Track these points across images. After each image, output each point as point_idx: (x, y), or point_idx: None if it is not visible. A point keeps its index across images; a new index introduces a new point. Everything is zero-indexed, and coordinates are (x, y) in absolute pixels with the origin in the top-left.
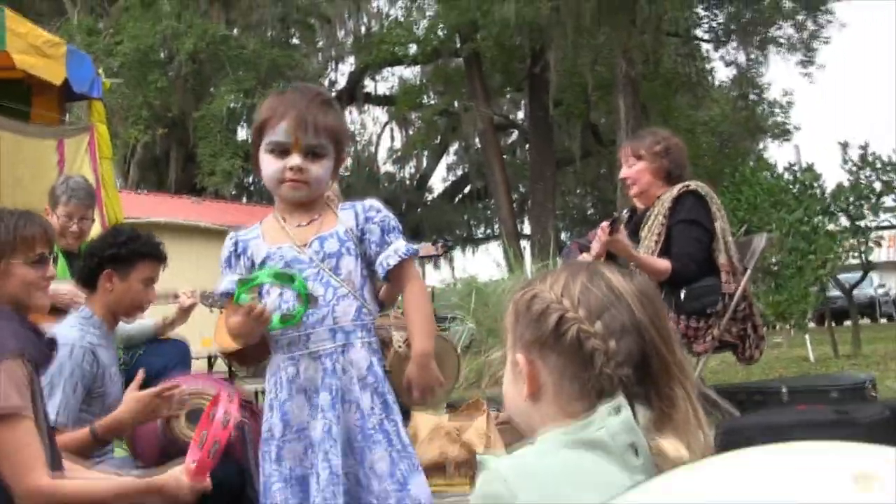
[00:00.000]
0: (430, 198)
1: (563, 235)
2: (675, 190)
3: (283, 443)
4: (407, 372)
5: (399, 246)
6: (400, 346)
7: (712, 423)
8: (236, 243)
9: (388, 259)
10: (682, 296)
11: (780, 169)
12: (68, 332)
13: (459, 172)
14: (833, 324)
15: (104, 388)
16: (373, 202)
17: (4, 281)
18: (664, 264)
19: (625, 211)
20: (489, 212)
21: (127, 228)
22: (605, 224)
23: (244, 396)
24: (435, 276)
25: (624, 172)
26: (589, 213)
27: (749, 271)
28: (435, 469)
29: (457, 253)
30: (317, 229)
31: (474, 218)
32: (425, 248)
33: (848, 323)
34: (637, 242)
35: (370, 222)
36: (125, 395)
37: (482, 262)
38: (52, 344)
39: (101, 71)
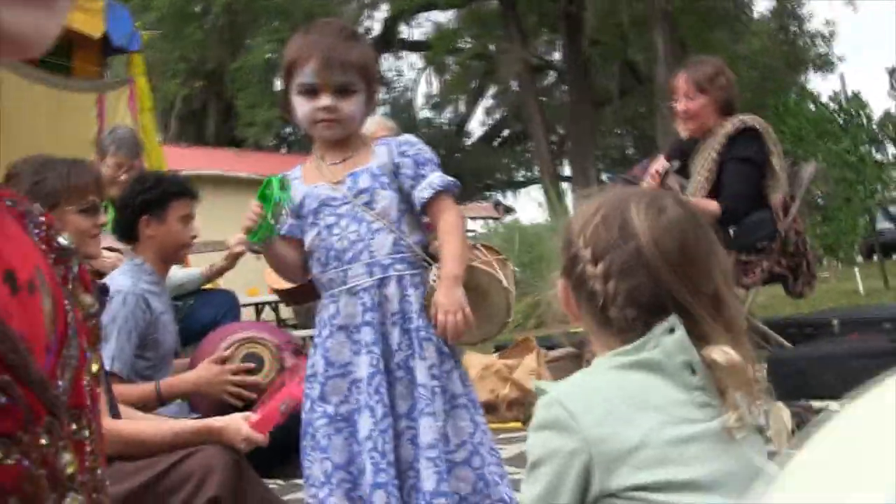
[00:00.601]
0: (469, 142)
1: (603, 176)
2: (731, 126)
3: (326, 379)
4: (434, 297)
5: (434, 179)
6: (434, 281)
7: (762, 357)
8: (286, 187)
9: (422, 192)
10: (733, 232)
11: (824, 99)
12: (121, 279)
13: (497, 116)
14: (883, 257)
15: (157, 334)
16: (408, 137)
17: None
18: (712, 207)
19: (675, 162)
20: (529, 154)
21: (151, 173)
22: (654, 170)
23: (294, 343)
24: (478, 221)
25: (684, 104)
26: (629, 151)
27: (798, 201)
28: (487, 408)
29: (498, 197)
30: (351, 166)
31: (514, 161)
32: (486, 208)
33: None
34: (686, 174)
35: (404, 156)
36: (202, 364)
37: (523, 205)
38: (104, 291)
39: (139, 24)
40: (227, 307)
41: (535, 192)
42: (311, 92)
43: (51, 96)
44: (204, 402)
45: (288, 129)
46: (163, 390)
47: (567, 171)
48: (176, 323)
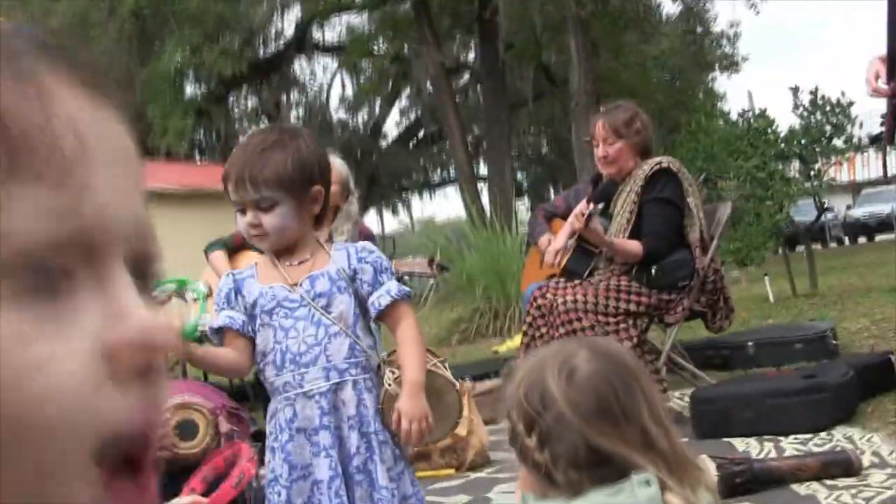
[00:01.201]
0: (384, 144)
1: (519, 175)
2: (648, 167)
3: (291, 483)
4: (397, 404)
5: (391, 287)
6: (390, 385)
7: (682, 386)
8: (235, 281)
9: (380, 299)
10: (654, 271)
11: (734, 116)
12: None
13: (413, 117)
14: (787, 250)
15: None
16: (366, 244)
17: None
18: (635, 248)
19: (599, 205)
20: (444, 155)
21: None
22: (578, 212)
23: (231, 406)
24: (393, 222)
25: (603, 150)
26: (544, 151)
27: (716, 241)
28: (419, 456)
29: (414, 198)
30: (308, 269)
31: (430, 162)
32: (419, 264)
33: (801, 249)
34: (608, 213)
35: (363, 262)
36: None
37: (441, 207)
38: None
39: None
40: None
41: (451, 193)
42: (240, 210)
43: None
44: None
45: (200, 135)
46: None
47: (484, 170)
48: None
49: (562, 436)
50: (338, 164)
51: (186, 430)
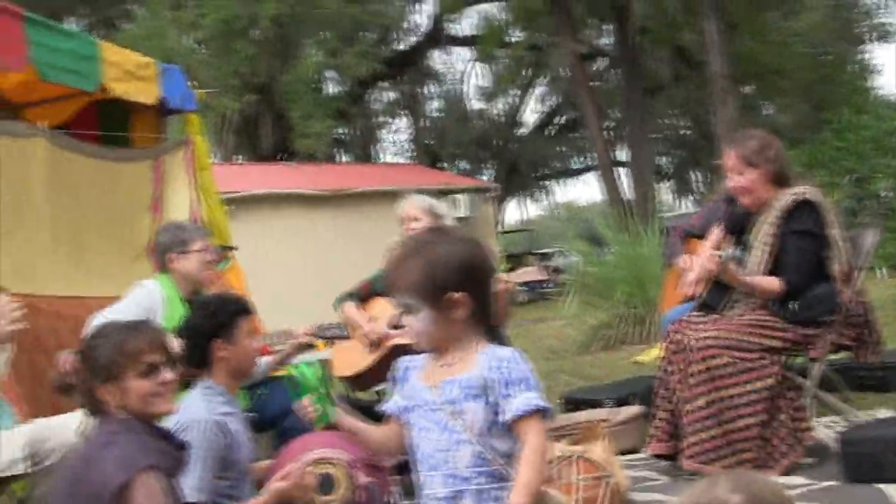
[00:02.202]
0: (522, 132)
1: (661, 160)
2: (789, 199)
3: None
4: None
5: (518, 402)
6: None
7: (828, 421)
8: (405, 368)
9: (506, 414)
10: (795, 306)
11: (889, 77)
12: (196, 408)
13: (550, 105)
14: None
15: (236, 455)
16: (503, 353)
17: (125, 396)
18: (774, 285)
19: (735, 250)
20: (583, 142)
21: (210, 297)
22: (708, 264)
23: (367, 454)
24: (534, 208)
25: (736, 181)
26: (683, 132)
27: (861, 272)
28: None
29: (553, 185)
30: (448, 372)
31: (569, 149)
32: (531, 273)
33: None
34: (742, 242)
35: (493, 371)
36: (268, 484)
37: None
38: (182, 446)
39: (193, 83)
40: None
41: (590, 180)
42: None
43: (106, 168)
44: None
45: (341, 130)
46: None
47: (623, 156)
48: (248, 411)
49: None
50: (424, 201)
51: (325, 484)
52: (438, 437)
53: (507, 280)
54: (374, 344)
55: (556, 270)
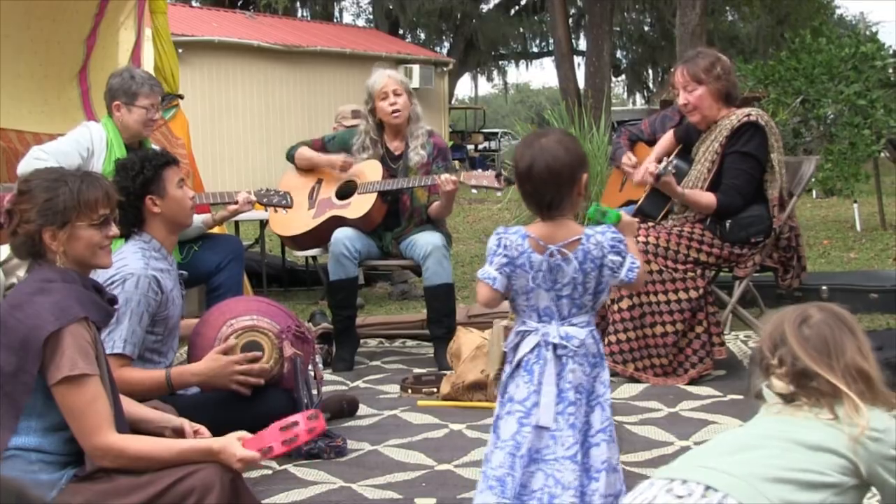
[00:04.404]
0: (485, 9)
1: (618, 53)
2: (735, 119)
3: None
4: None
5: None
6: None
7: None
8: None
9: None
10: (728, 225)
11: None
12: (132, 259)
13: None
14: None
15: (167, 311)
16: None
17: (71, 244)
18: (709, 200)
19: (671, 162)
20: (544, 26)
21: (131, 157)
22: (651, 169)
23: (297, 329)
24: (487, 87)
25: (684, 98)
26: (646, 29)
27: (795, 198)
28: (476, 388)
29: (510, 67)
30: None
31: (529, 31)
32: (487, 177)
33: None
34: (690, 160)
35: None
36: (208, 356)
37: (537, 76)
38: (113, 301)
39: None
40: (233, 254)
41: (547, 64)
42: None
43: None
44: (214, 390)
45: None
46: (173, 381)
47: (583, 45)
48: (182, 267)
49: (791, 362)
50: (402, 76)
51: (252, 351)
52: None
53: (455, 180)
54: (343, 168)
55: (509, 182)
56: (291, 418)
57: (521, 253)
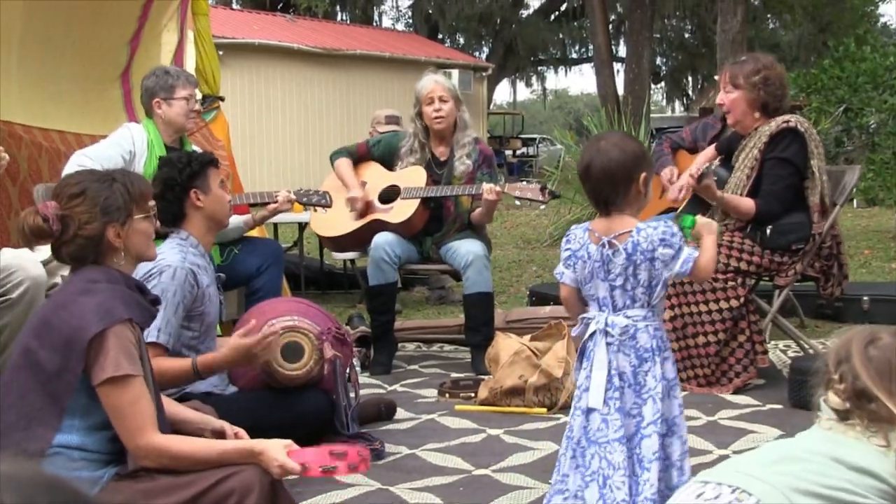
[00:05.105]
0: (525, 14)
1: (658, 60)
2: (774, 125)
3: None
4: None
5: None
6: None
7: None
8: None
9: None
10: (769, 231)
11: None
12: (170, 254)
13: None
14: None
15: (203, 307)
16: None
17: (131, 238)
18: (748, 205)
19: (713, 165)
20: (584, 32)
21: (175, 153)
22: (693, 171)
23: (337, 331)
24: (525, 92)
25: (720, 98)
26: (686, 36)
27: (838, 207)
28: (514, 393)
29: (549, 73)
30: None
31: (569, 37)
32: (532, 190)
33: None
34: (729, 167)
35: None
36: (230, 339)
37: (576, 82)
38: (156, 301)
39: None
40: (273, 259)
41: (586, 71)
42: None
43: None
44: (243, 377)
45: None
46: (199, 367)
47: (622, 51)
48: (222, 269)
49: (851, 381)
50: (449, 83)
51: (292, 352)
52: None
53: (499, 191)
54: (359, 212)
55: (553, 195)
56: (343, 447)
57: (581, 245)
